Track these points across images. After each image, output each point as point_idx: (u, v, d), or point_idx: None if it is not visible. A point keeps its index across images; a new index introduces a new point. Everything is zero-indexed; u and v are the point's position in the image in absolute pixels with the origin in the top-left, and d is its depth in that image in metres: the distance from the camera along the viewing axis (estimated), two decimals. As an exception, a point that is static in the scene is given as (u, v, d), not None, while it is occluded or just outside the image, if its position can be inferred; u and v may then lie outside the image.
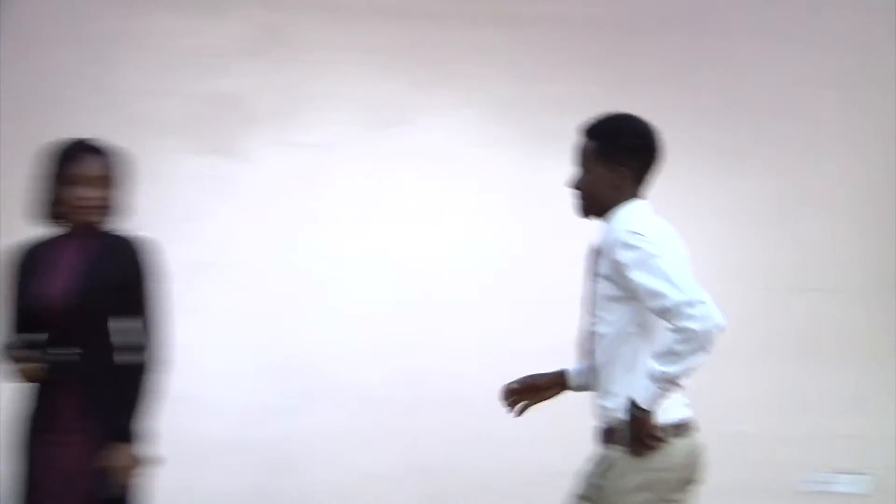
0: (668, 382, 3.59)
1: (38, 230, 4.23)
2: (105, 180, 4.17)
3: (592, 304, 3.85)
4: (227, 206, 6.30)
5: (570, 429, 5.46)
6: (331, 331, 6.24)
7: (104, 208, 4.18)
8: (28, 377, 4.05)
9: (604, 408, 3.79)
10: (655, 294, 3.58)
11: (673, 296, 3.55)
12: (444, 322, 6.27)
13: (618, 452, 3.71)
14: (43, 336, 4.06)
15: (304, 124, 6.36)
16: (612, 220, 3.81)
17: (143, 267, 4.18)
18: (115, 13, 6.21)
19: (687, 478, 3.77)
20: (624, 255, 3.67)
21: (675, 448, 3.71)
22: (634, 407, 3.62)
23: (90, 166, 4.16)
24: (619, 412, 3.69)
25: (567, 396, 4.09)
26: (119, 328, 4.14)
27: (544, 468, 5.70)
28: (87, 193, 4.14)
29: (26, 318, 4.12)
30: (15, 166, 5.47)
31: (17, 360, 4.03)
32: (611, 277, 3.73)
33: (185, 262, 6.09)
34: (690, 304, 3.53)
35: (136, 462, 4.08)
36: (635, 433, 3.65)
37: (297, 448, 6.13)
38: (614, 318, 3.75)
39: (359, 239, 6.32)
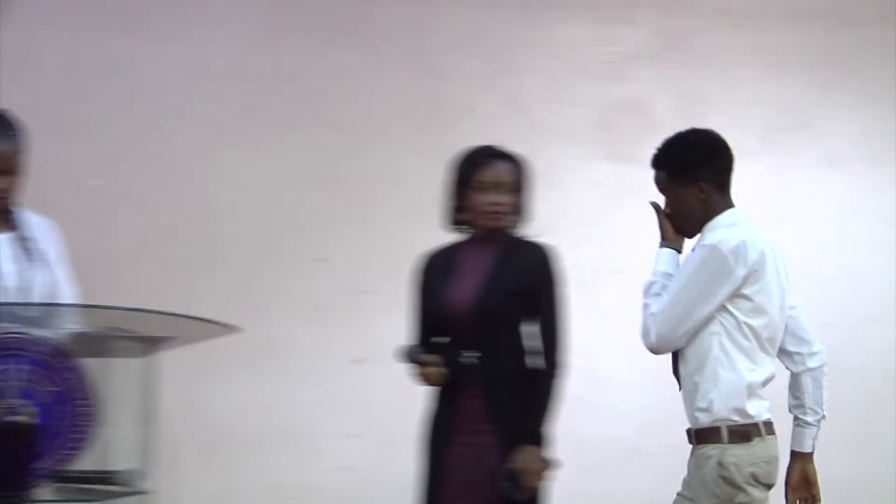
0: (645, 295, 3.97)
1: (447, 236, 4.34)
2: (514, 186, 4.21)
3: None
4: (628, 212, 6.27)
5: None
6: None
7: (513, 214, 4.24)
8: (431, 381, 4.14)
9: (700, 409, 3.87)
10: (668, 295, 3.88)
11: (658, 307, 3.88)
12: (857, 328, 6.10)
13: (719, 450, 3.82)
14: (446, 340, 4.15)
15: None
16: (707, 230, 3.95)
17: (548, 272, 4.20)
18: (519, 22, 6.31)
19: (775, 472, 3.93)
20: (689, 255, 3.95)
21: (772, 443, 3.88)
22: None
23: (500, 172, 4.21)
24: (717, 411, 3.83)
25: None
26: (525, 333, 4.20)
27: None
28: (498, 199, 4.19)
29: (431, 323, 4.22)
30: (425, 175, 5.67)
31: (421, 363, 4.13)
32: None
33: (585, 267, 6.14)
34: (663, 323, 3.86)
35: (545, 465, 4.10)
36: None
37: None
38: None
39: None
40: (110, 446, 3.42)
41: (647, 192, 6.22)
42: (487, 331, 4.11)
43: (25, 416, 3.37)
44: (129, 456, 3.49)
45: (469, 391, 4.11)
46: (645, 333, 3.93)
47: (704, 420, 3.87)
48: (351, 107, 6.13)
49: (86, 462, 3.43)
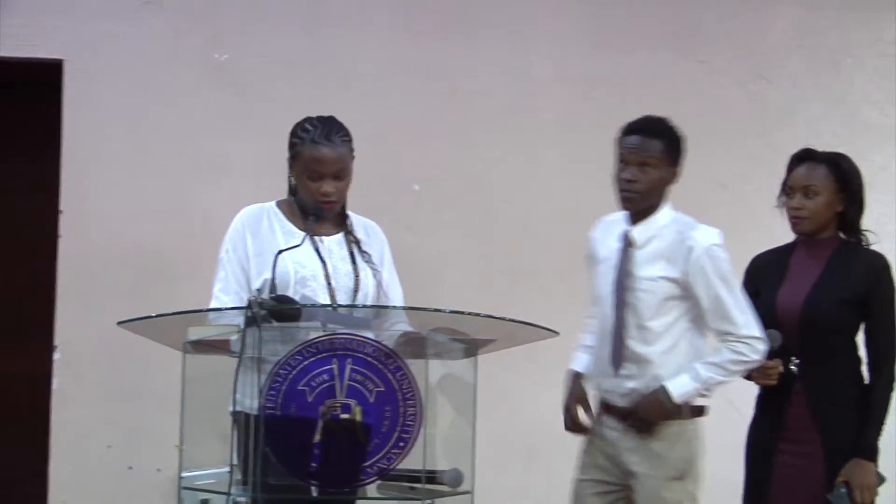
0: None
1: (771, 241, 4.29)
2: (816, 189, 4.10)
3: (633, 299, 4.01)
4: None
5: None
6: None
7: (811, 218, 4.12)
8: (770, 378, 4.09)
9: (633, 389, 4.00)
10: (730, 312, 3.95)
11: (745, 323, 3.95)
12: None
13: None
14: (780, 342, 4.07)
15: None
16: (661, 218, 4.06)
17: (880, 281, 4.09)
18: (847, 21, 6.16)
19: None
20: (707, 264, 3.95)
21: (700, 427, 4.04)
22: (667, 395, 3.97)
23: (802, 175, 4.13)
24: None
25: None
26: (860, 342, 4.10)
27: None
28: (796, 204, 4.12)
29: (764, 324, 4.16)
30: (750, 179, 5.60)
31: (774, 354, 4.06)
32: (673, 279, 3.96)
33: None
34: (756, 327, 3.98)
35: (878, 481, 3.99)
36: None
37: None
38: (673, 316, 3.98)
39: None
40: (433, 446, 3.49)
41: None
42: (816, 338, 4.05)
43: (354, 414, 3.48)
44: (450, 456, 3.55)
45: (795, 399, 4.06)
46: (753, 351, 3.96)
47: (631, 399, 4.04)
48: (673, 110, 6.05)
49: (410, 461, 3.50)
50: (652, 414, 3.98)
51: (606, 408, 4.12)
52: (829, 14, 6.14)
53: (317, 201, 3.89)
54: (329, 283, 3.88)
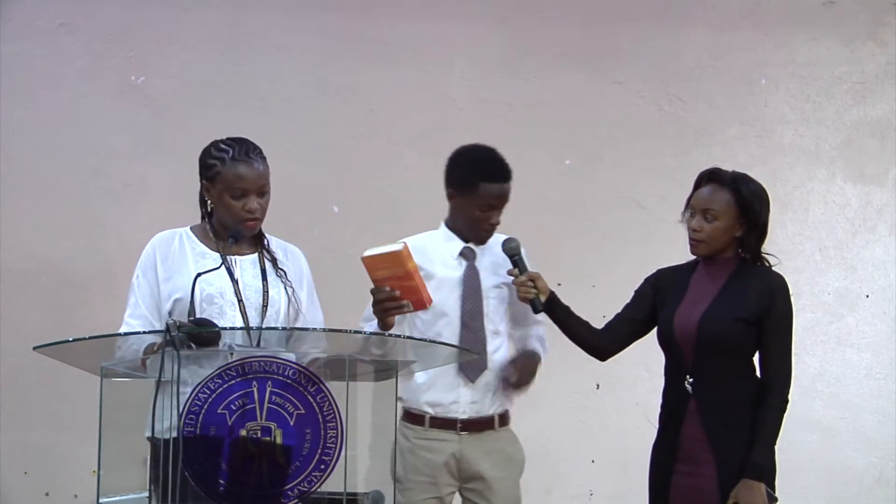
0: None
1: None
2: (715, 213, 4.10)
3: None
4: (874, 235, 6.15)
5: None
6: None
7: (708, 242, 4.10)
8: (526, 296, 4.21)
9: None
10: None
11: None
12: None
13: None
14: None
15: (956, 151, 6.12)
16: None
17: (777, 302, 4.05)
18: (761, 43, 6.22)
19: None
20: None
21: None
22: None
23: (703, 197, 4.11)
24: None
25: None
26: (755, 362, 4.10)
27: None
28: (694, 225, 4.10)
29: (663, 343, 4.17)
30: (665, 198, 5.63)
31: None
32: (507, 284, 4.37)
33: (829, 291, 6.01)
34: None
35: (765, 501, 3.95)
36: None
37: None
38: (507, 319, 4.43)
39: None
40: (354, 468, 3.47)
41: (893, 214, 6.11)
42: (710, 358, 4.02)
43: (274, 437, 3.45)
44: (372, 478, 3.54)
45: (689, 418, 4.03)
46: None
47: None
48: (590, 130, 6.13)
49: (331, 484, 3.48)
50: (529, 374, 4.36)
51: (442, 423, 4.30)
52: (742, 36, 6.20)
53: (241, 220, 3.86)
54: (240, 300, 3.85)
